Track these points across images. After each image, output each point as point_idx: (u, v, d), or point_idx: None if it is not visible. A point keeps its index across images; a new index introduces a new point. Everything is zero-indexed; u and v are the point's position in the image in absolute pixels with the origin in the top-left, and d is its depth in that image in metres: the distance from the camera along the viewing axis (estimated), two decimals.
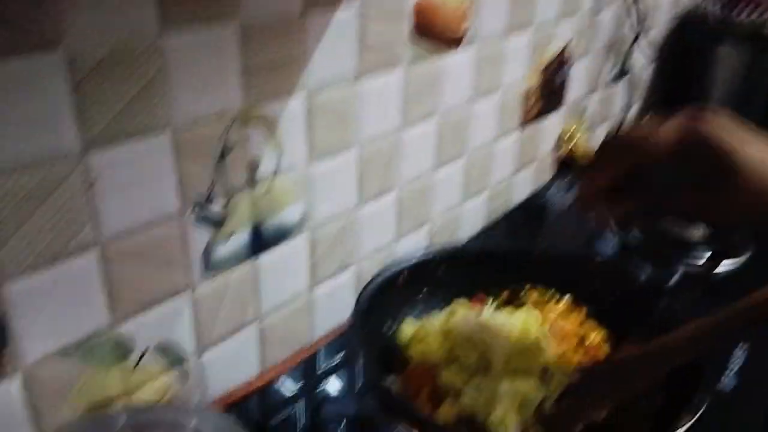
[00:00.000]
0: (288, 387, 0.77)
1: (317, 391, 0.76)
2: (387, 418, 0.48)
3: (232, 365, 0.77)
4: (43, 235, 0.54)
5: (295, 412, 0.74)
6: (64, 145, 0.53)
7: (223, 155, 0.66)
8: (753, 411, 0.74)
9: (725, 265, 1.01)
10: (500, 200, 1.20)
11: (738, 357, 0.81)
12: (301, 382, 0.79)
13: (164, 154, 0.61)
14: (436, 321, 0.60)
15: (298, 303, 0.83)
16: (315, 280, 0.84)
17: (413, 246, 0.99)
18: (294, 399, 0.76)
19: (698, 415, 0.51)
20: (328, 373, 0.79)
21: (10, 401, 0.55)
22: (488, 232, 1.13)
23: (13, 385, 0.55)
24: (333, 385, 0.78)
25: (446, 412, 0.53)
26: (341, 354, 0.83)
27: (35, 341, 0.56)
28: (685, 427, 0.50)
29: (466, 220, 1.11)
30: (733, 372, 0.79)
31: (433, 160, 0.98)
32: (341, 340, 0.86)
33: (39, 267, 0.54)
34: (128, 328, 0.63)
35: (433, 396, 0.55)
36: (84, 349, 0.60)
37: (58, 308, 0.57)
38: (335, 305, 0.89)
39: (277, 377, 0.80)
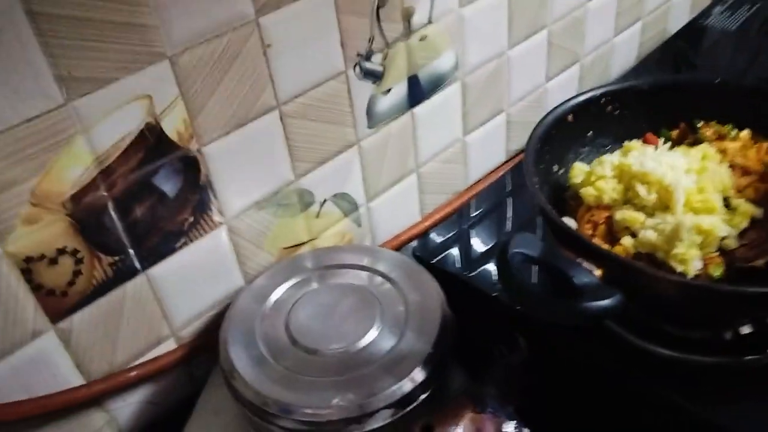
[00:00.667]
0: (447, 229, 0.81)
1: (474, 235, 0.79)
2: (568, 255, 0.50)
3: (397, 211, 0.81)
4: (232, 99, 0.58)
5: (456, 252, 0.78)
6: (241, 9, 0.55)
7: (379, 6, 0.66)
8: None
9: None
10: (655, 30, 1.11)
11: None
12: (459, 226, 0.82)
13: (327, 10, 0.62)
14: (608, 162, 0.60)
15: (453, 150, 0.85)
16: (468, 128, 0.85)
17: (563, 88, 0.96)
18: (455, 240, 0.80)
19: None
20: (481, 219, 0.82)
21: (221, 248, 0.63)
22: (644, 63, 1.06)
23: (222, 234, 0.63)
24: (487, 230, 0.81)
25: (624, 249, 0.54)
26: (497, 199, 0.85)
27: (234, 196, 0.62)
28: None
29: (618, 54, 1.05)
30: None
31: None
32: (496, 185, 0.88)
33: (231, 129, 0.59)
34: (308, 181, 0.68)
35: (609, 236, 0.56)
36: (273, 201, 0.66)
37: (250, 167, 0.62)
38: (487, 151, 0.90)
39: (437, 222, 0.84)
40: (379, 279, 0.63)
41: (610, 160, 0.60)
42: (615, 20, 1.00)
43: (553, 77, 0.95)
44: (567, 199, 0.63)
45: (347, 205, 0.74)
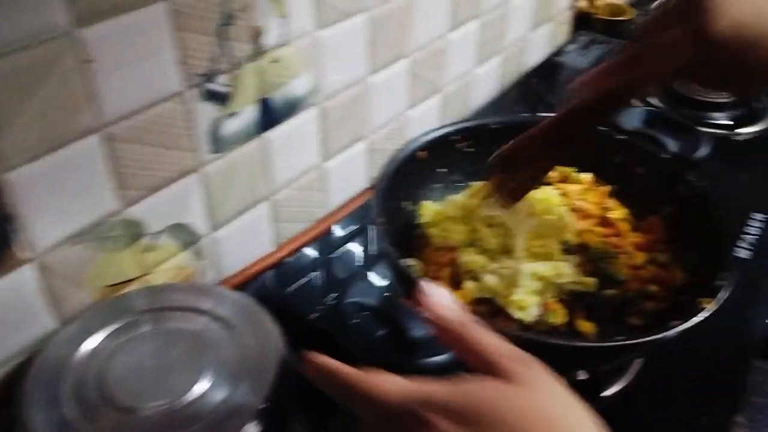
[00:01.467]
0: (303, 260, 0.77)
1: (333, 262, 0.76)
2: (406, 300, 0.47)
3: (246, 242, 0.76)
4: (44, 119, 0.50)
5: (310, 283, 0.74)
6: (53, 20, 0.48)
7: (224, 24, 0.61)
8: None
9: (749, 131, 0.98)
10: (514, 63, 1.14)
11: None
12: (317, 255, 0.78)
13: (161, 26, 0.56)
14: (456, 202, 0.58)
15: (311, 177, 0.81)
16: (327, 154, 0.82)
17: (425, 117, 0.96)
18: (310, 270, 0.76)
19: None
20: (343, 244, 0.79)
21: (24, 289, 0.55)
22: (502, 98, 1.08)
23: (27, 273, 0.55)
24: (350, 259, 0.78)
25: (466, 294, 0.53)
26: (357, 226, 0.82)
27: (46, 228, 0.54)
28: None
29: (480, 85, 1.06)
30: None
31: (447, 22, 0.91)
32: (356, 212, 0.85)
33: (42, 153, 0.52)
34: (139, 210, 0.61)
35: (453, 278, 0.54)
36: (95, 233, 0.59)
37: (66, 194, 0.55)
38: (348, 178, 0.87)
39: (293, 251, 0.80)
40: (213, 322, 0.58)
41: (458, 200, 0.58)
42: (476, 52, 1.01)
43: (414, 106, 0.93)
44: (417, 237, 0.61)
45: (186, 236, 0.68)
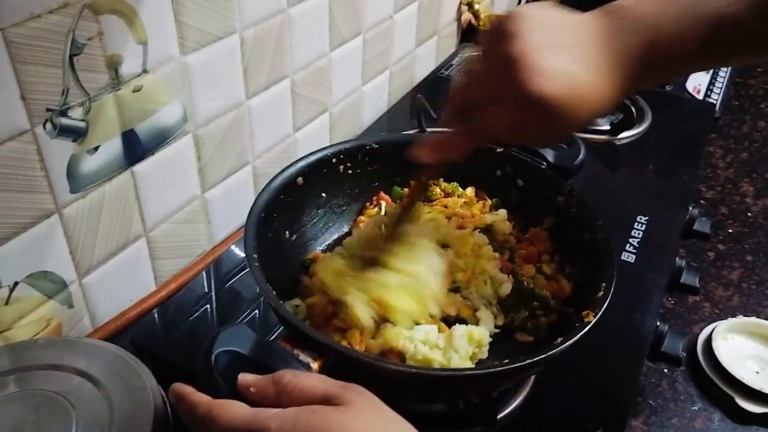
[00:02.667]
0: (189, 298, 0.73)
1: (223, 297, 0.72)
2: (285, 346, 0.44)
3: (123, 285, 0.71)
4: None
5: (198, 322, 0.70)
6: None
7: (74, 54, 0.56)
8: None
9: (628, 134, 1.01)
10: (403, 78, 1.13)
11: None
12: (205, 291, 0.74)
13: None
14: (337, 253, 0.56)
15: (190, 209, 0.77)
16: (207, 184, 0.78)
17: (313, 138, 0.93)
18: (197, 308, 0.72)
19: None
20: (234, 277, 0.75)
21: None
22: (393, 114, 1.07)
23: None
24: (242, 292, 0.74)
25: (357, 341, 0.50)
26: (243, 257, 0.78)
27: None
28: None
29: (369, 102, 1.05)
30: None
31: (328, 40, 0.89)
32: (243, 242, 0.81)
33: None
34: None
35: (338, 329, 0.52)
36: None
37: None
38: (235, 207, 0.83)
39: (177, 289, 0.75)
40: (78, 381, 0.53)
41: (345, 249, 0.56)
42: (362, 69, 1.00)
43: (301, 127, 0.91)
44: (299, 271, 0.58)
45: (50, 285, 0.62)
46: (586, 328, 0.47)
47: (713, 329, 0.79)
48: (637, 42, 0.46)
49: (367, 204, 0.66)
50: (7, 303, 0.58)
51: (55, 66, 0.55)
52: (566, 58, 0.45)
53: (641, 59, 0.46)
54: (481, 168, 0.64)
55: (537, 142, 0.52)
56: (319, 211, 0.62)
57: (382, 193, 0.63)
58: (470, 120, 0.50)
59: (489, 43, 0.48)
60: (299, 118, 0.89)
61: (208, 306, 0.72)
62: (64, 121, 0.57)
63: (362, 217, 0.65)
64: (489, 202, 0.65)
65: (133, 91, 0.63)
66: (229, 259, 0.78)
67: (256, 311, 0.72)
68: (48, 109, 0.56)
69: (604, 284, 0.52)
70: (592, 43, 0.46)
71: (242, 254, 0.77)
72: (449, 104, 0.52)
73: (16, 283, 0.59)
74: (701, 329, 0.80)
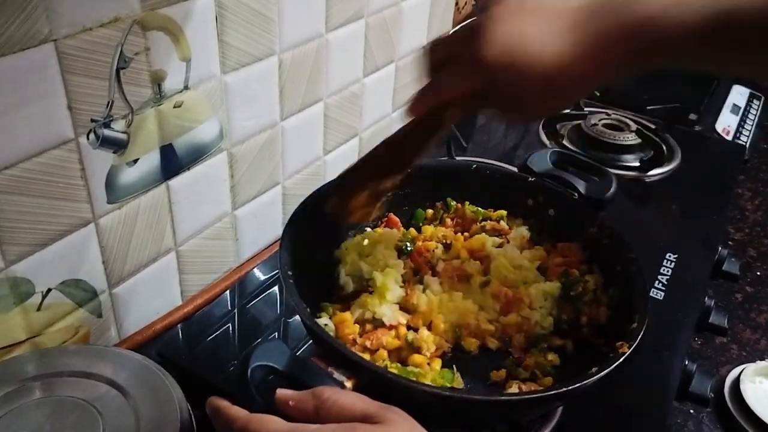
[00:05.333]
0: (214, 314, 0.73)
1: (247, 314, 0.72)
2: (319, 363, 0.44)
3: (151, 297, 0.71)
4: None
5: (222, 338, 0.70)
6: None
7: (120, 68, 0.58)
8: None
9: (657, 172, 1.01)
10: None
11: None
12: (229, 308, 0.74)
13: (49, 68, 0.52)
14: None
15: (221, 226, 0.77)
16: (238, 201, 0.78)
17: (343, 161, 0.94)
18: (221, 324, 0.72)
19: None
20: (259, 295, 0.75)
21: None
22: None
23: None
24: (265, 310, 0.74)
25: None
26: (271, 276, 0.79)
27: None
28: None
29: (397, 128, 1.05)
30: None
31: (362, 66, 0.90)
32: (272, 260, 0.81)
33: None
34: (25, 267, 0.56)
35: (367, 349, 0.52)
36: None
37: None
38: (263, 225, 0.84)
39: (203, 304, 0.75)
40: (108, 389, 0.53)
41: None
42: (393, 96, 1.01)
43: (331, 150, 0.91)
44: (332, 288, 0.58)
45: (82, 293, 0.63)
46: (621, 359, 0.47)
47: (741, 371, 0.78)
48: (625, 19, 0.45)
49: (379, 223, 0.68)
50: (39, 309, 0.59)
51: (102, 78, 0.56)
52: (527, 24, 0.46)
53: (627, 37, 0.45)
54: (512, 196, 0.64)
55: (508, 109, 0.51)
56: (349, 233, 0.63)
57: (391, 215, 0.65)
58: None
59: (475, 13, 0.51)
60: (330, 141, 0.90)
61: (230, 324, 0.72)
62: (106, 132, 0.59)
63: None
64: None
65: (174, 107, 0.64)
66: (254, 278, 0.78)
67: (277, 332, 0.72)
68: (92, 120, 0.57)
69: (637, 316, 0.51)
70: (569, 15, 0.46)
71: (266, 275, 0.77)
72: (424, 59, 0.54)
73: (49, 290, 0.59)
74: (728, 371, 0.79)
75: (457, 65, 0.50)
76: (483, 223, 0.66)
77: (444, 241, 0.64)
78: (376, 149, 0.61)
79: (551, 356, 0.58)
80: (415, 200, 0.69)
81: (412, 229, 0.67)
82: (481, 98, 0.51)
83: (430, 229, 0.67)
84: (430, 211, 0.68)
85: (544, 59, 0.45)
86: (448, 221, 0.67)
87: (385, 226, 0.68)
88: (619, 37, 0.45)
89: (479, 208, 0.67)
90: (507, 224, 0.66)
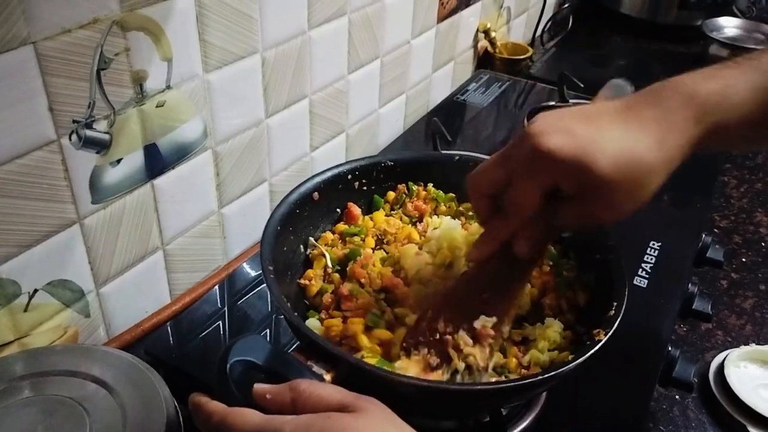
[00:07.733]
0: (203, 311, 0.73)
1: (236, 311, 0.73)
2: (299, 357, 0.45)
3: (139, 296, 0.72)
4: None
5: (211, 336, 0.71)
6: None
7: (101, 69, 0.58)
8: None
9: None
10: (419, 102, 1.15)
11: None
12: (218, 305, 0.75)
13: (29, 71, 0.52)
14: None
15: (207, 224, 0.78)
16: (224, 199, 0.79)
17: (330, 157, 0.94)
18: (210, 322, 0.72)
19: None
20: (248, 293, 0.76)
21: None
22: (408, 137, 1.09)
23: None
24: (254, 307, 0.75)
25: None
26: (261, 272, 0.79)
27: None
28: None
29: (384, 125, 1.06)
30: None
31: (346, 63, 0.91)
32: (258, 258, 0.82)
33: None
34: (10, 269, 0.57)
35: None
36: None
37: None
38: (251, 223, 0.84)
39: (190, 303, 0.76)
40: (93, 387, 0.53)
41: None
42: (379, 92, 1.01)
43: (318, 147, 0.92)
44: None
45: (69, 293, 0.63)
46: (597, 346, 0.47)
47: (726, 357, 0.78)
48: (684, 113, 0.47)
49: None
50: (26, 310, 0.60)
51: (82, 79, 0.57)
52: (578, 122, 0.46)
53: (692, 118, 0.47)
54: None
55: (589, 214, 0.49)
56: (332, 227, 0.63)
57: (351, 206, 0.63)
58: (499, 202, 0.50)
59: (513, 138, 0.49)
60: (316, 137, 0.91)
61: (220, 322, 0.73)
62: (89, 133, 0.59)
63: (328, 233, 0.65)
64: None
65: (157, 107, 0.65)
66: (243, 275, 0.78)
67: (268, 329, 0.73)
68: (74, 121, 0.58)
69: (615, 303, 0.52)
70: (615, 111, 0.47)
71: (255, 272, 0.78)
72: (474, 195, 0.51)
73: (35, 291, 0.60)
74: (713, 357, 0.79)
75: (519, 177, 0.47)
76: (449, 204, 0.65)
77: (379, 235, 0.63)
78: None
79: None
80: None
81: (368, 219, 0.66)
82: (560, 206, 0.49)
83: (380, 216, 0.66)
84: (392, 194, 0.67)
85: (616, 150, 0.45)
86: (409, 206, 0.66)
87: (344, 222, 0.66)
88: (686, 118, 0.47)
89: (441, 192, 0.66)
90: None
